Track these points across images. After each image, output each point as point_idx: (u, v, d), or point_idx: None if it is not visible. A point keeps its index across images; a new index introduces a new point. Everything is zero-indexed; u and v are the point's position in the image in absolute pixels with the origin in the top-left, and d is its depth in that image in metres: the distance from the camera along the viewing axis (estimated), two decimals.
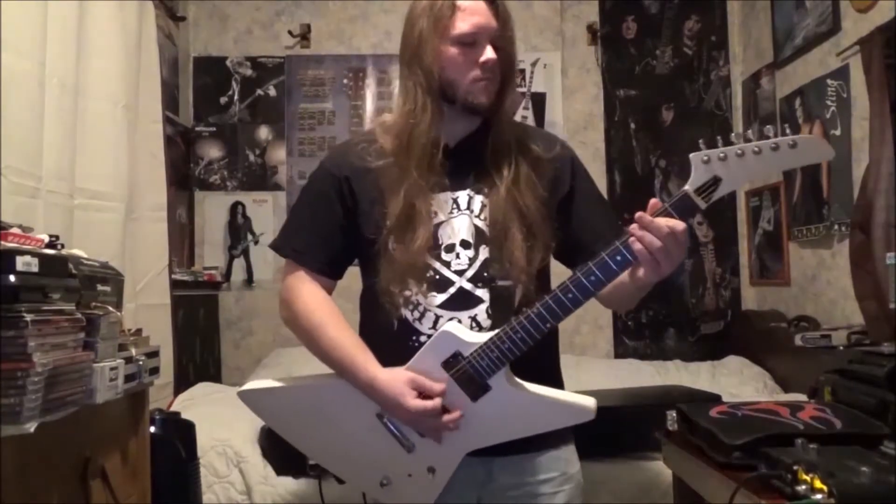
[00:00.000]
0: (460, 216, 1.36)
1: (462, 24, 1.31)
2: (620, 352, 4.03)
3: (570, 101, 4.14)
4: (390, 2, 4.01)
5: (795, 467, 1.21)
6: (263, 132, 4.09)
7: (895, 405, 1.45)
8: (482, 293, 1.33)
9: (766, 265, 3.84)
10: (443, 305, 1.33)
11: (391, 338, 1.35)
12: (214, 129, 4.08)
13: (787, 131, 1.11)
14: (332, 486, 1.68)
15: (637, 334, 4.07)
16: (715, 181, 1.13)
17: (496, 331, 1.26)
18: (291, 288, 1.42)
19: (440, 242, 1.34)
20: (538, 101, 4.11)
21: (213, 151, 4.07)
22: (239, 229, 4.03)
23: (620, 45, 4.17)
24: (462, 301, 1.33)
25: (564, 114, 4.13)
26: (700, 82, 4.15)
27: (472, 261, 1.34)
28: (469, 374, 1.27)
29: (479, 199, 1.37)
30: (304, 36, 4.10)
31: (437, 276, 1.34)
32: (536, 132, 1.51)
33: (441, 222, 1.35)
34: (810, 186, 3.35)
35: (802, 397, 2.16)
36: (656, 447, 1.95)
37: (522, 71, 4.08)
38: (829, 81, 3.16)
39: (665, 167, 4.10)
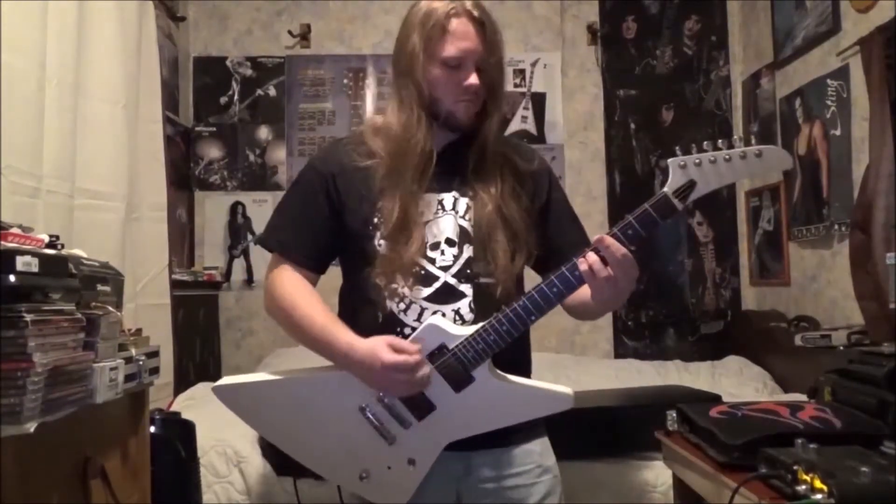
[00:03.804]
0: (445, 216, 1.41)
1: (449, 48, 1.37)
2: (620, 352, 4.01)
3: (570, 101, 4.14)
4: (390, 2, 4.00)
5: (795, 467, 1.21)
6: (263, 132, 4.09)
7: (895, 405, 1.45)
8: (465, 288, 1.39)
9: (766, 265, 3.84)
10: (428, 298, 1.38)
11: (375, 330, 1.37)
12: (214, 129, 4.08)
13: (753, 142, 1.21)
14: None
15: (637, 334, 4.06)
16: (690, 184, 1.22)
17: (482, 324, 1.31)
18: (273, 278, 1.45)
19: (426, 241, 1.39)
20: (538, 101, 4.10)
21: (213, 151, 4.07)
22: (239, 229, 4.03)
23: (620, 45, 4.16)
24: (446, 295, 1.38)
25: (564, 114, 4.12)
26: (700, 82, 4.15)
27: (456, 258, 1.40)
28: (454, 366, 1.31)
29: (464, 202, 1.42)
30: (304, 36, 4.10)
31: (423, 272, 1.38)
32: (517, 146, 1.56)
33: (427, 221, 1.40)
34: (810, 186, 3.34)
35: (802, 397, 2.15)
36: (656, 447, 1.95)
37: (522, 71, 4.08)
38: (829, 81, 3.16)
39: (665, 167, 4.09)
